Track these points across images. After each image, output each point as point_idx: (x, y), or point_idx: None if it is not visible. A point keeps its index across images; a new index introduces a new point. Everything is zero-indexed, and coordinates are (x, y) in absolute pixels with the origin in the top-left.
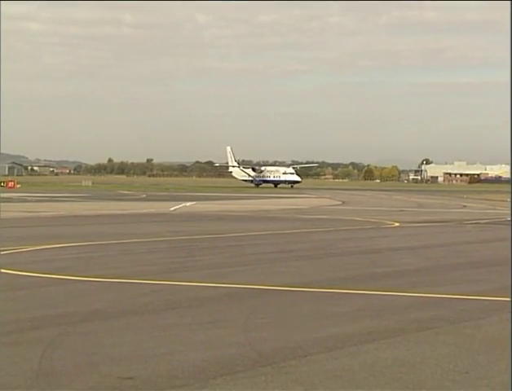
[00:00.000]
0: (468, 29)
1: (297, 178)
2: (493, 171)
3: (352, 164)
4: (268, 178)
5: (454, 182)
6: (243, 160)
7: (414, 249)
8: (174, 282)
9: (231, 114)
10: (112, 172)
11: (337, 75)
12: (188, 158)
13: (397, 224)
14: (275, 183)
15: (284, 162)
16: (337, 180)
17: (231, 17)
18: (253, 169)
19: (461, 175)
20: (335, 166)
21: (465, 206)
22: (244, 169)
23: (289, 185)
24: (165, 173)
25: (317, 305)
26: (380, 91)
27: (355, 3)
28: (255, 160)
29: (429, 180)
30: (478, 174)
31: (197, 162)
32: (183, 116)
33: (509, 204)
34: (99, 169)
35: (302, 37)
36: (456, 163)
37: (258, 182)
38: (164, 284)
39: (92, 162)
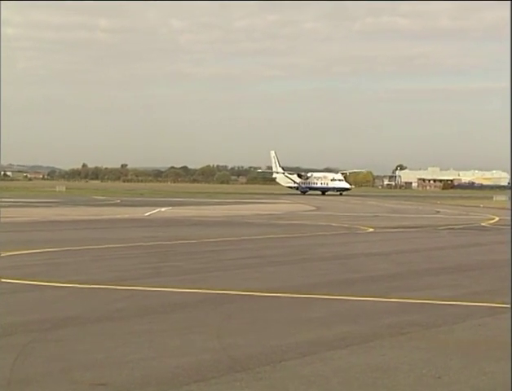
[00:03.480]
0: (440, 36)
1: (346, 185)
2: (466, 177)
3: (327, 169)
4: (315, 185)
5: (428, 187)
6: (218, 166)
7: (388, 255)
8: (149, 287)
9: (206, 119)
10: (86, 177)
11: (312, 80)
12: (163, 163)
13: (371, 229)
14: (323, 191)
15: (259, 167)
16: None
17: (205, 22)
18: (299, 176)
19: (434, 181)
20: (310, 172)
21: (438, 212)
22: (289, 176)
23: (338, 192)
24: (140, 178)
25: (291, 311)
26: (354, 97)
27: (330, 9)
28: (230, 166)
29: (403, 186)
30: (451, 180)
31: (172, 167)
32: (157, 121)
33: (483, 210)
34: (73, 175)
35: (277, 42)
36: (429, 169)
37: (305, 190)
38: (138, 290)
39: (66, 167)
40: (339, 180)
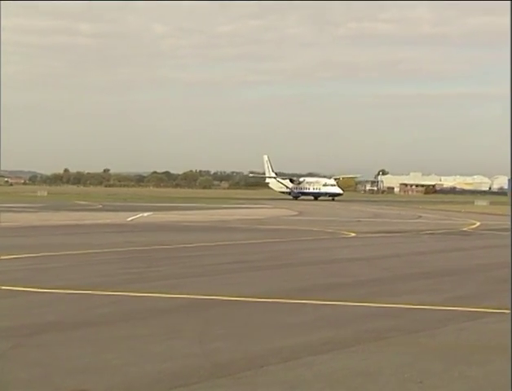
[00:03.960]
0: (423, 42)
1: (338, 191)
2: (448, 182)
3: (310, 174)
4: (307, 190)
5: (410, 192)
6: (200, 171)
7: (370, 259)
8: (131, 293)
9: (189, 124)
10: (68, 182)
11: (295, 86)
12: (145, 168)
13: (353, 234)
14: (316, 196)
15: (241, 172)
16: None
17: (188, 27)
18: (291, 181)
19: (416, 186)
20: (293, 176)
21: (420, 216)
22: (281, 181)
23: (330, 197)
24: (122, 183)
25: (274, 316)
26: (337, 102)
27: (313, 15)
28: (213, 171)
29: (385, 191)
30: (433, 185)
31: (155, 172)
32: (140, 126)
33: (464, 214)
34: (54, 180)
35: (260, 47)
36: (411, 174)
37: (297, 195)
38: (120, 295)
39: (48, 172)
40: (331, 185)
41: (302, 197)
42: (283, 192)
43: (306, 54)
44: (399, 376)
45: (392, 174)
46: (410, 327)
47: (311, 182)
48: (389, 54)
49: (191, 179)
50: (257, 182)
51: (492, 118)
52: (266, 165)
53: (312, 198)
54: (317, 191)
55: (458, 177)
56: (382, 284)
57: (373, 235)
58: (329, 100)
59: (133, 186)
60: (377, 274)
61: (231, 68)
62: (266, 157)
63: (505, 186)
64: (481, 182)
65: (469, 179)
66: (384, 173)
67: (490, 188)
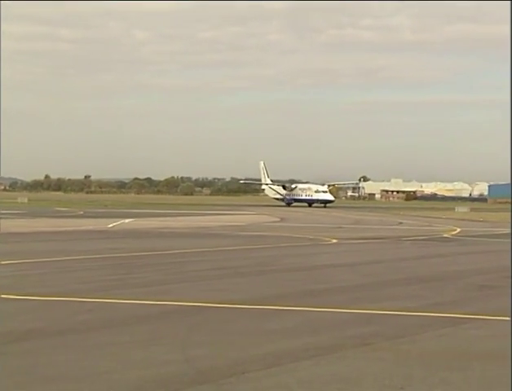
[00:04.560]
0: (403, 49)
1: (330, 197)
2: (429, 188)
3: (291, 181)
4: (300, 197)
5: (391, 199)
6: (182, 177)
7: (352, 266)
8: (113, 299)
9: (170, 130)
10: (48, 188)
11: (276, 92)
12: (127, 175)
13: (335, 240)
14: (309, 203)
15: (223, 179)
16: None
17: (169, 33)
18: (284, 187)
19: (397, 192)
20: (274, 183)
21: (401, 223)
22: (273, 187)
23: (322, 204)
24: (104, 189)
25: (256, 322)
26: (318, 109)
27: (293, 21)
28: (194, 177)
29: (366, 197)
30: (414, 191)
31: (136, 179)
32: (121, 132)
33: (445, 221)
34: (35, 186)
35: (241, 54)
36: (392, 180)
37: (289, 201)
38: (102, 302)
39: (28, 178)
40: (323, 192)
41: (296, 204)
42: (277, 199)
43: (287, 60)
44: (381, 382)
45: (373, 181)
46: (391, 333)
47: (303, 189)
48: (369, 61)
49: (172, 185)
50: (238, 187)
51: (473, 125)
52: (262, 172)
53: (306, 205)
54: (309, 197)
55: (439, 183)
56: (364, 290)
57: (355, 241)
58: (310, 107)
59: (114, 192)
60: (359, 280)
61: (212, 74)
62: (262, 164)
63: (485, 193)
64: (461, 188)
65: (449, 186)
66: (365, 179)
67: (470, 194)
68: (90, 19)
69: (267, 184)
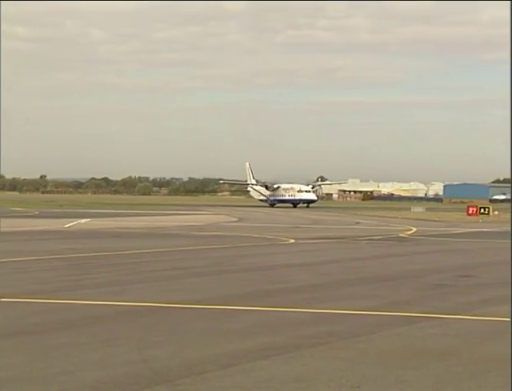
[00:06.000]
0: (360, 50)
1: (313, 197)
2: (385, 188)
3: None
4: (283, 197)
5: (348, 199)
6: (139, 177)
7: (309, 265)
8: (68, 300)
9: (128, 130)
10: (3, 188)
11: (235, 92)
12: (83, 174)
13: (292, 240)
14: (293, 203)
15: (181, 179)
16: (234, 197)
17: (126, 33)
18: (267, 187)
19: (354, 192)
20: (258, 183)
21: (358, 223)
22: (256, 187)
23: (305, 204)
24: (60, 189)
25: (213, 322)
26: (277, 109)
27: (252, 22)
28: (152, 177)
29: (324, 197)
30: (371, 191)
31: (93, 178)
32: (77, 132)
33: (401, 220)
34: None
35: (200, 54)
36: (350, 180)
37: (273, 202)
38: (57, 303)
39: None
40: (306, 191)
41: (279, 205)
42: (261, 200)
43: (245, 60)
44: (337, 381)
45: (331, 181)
46: (348, 332)
47: (286, 189)
48: (327, 62)
49: (130, 185)
50: (196, 187)
51: (429, 126)
52: (247, 172)
53: (291, 205)
54: (293, 197)
55: (395, 183)
56: (321, 290)
57: (312, 241)
58: (269, 107)
59: (71, 192)
60: (316, 280)
61: (170, 74)
62: (247, 164)
63: (441, 193)
64: (417, 188)
65: (405, 186)
66: (323, 179)
67: (426, 194)
68: (46, 17)
69: (248, 184)
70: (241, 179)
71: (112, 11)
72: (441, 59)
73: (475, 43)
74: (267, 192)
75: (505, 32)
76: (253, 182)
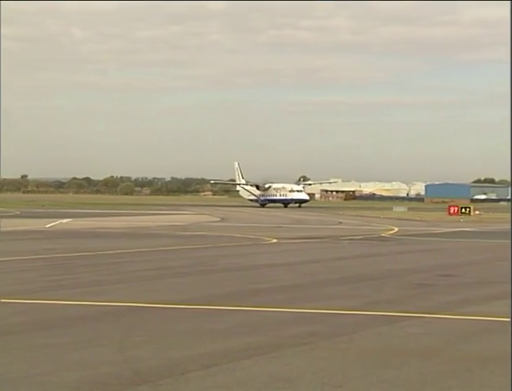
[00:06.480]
0: (342, 50)
1: (305, 197)
2: (367, 188)
3: (231, 180)
4: (274, 197)
5: (330, 198)
6: (121, 177)
7: (291, 265)
8: (49, 301)
9: (110, 130)
10: None
11: (217, 92)
12: (65, 174)
13: (275, 240)
14: (284, 203)
15: (163, 178)
16: (216, 196)
17: (108, 32)
18: (257, 187)
19: (336, 192)
20: (248, 183)
21: (340, 222)
22: (246, 187)
23: (297, 204)
24: (41, 189)
25: (195, 322)
26: (259, 109)
27: (233, 22)
28: (134, 177)
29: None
30: (353, 191)
31: (74, 178)
32: (59, 132)
33: (383, 220)
34: None
35: (181, 53)
36: (332, 180)
37: (263, 202)
38: (38, 303)
39: None
40: (298, 191)
41: (270, 204)
42: (251, 200)
43: (227, 60)
44: (319, 381)
45: (313, 180)
46: (330, 332)
47: (277, 189)
48: (309, 62)
49: (112, 185)
50: (178, 187)
51: (411, 126)
52: (236, 172)
53: (282, 205)
54: (284, 197)
55: (377, 183)
56: (303, 290)
57: (294, 240)
58: (251, 107)
59: (52, 192)
60: (298, 280)
61: (151, 74)
62: (236, 164)
63: (422, 193)
64: (399, 188)
65: (387, 185)
66: (305, 179)
67: (408, 194)
68: (27, 17)
69: (239, 184)
70: (225, 179)
71: (93, 11)
72: (422, 60)
73: (455, 44)
74: (258, 192)
75: (484, 33)
76: (243, 181)
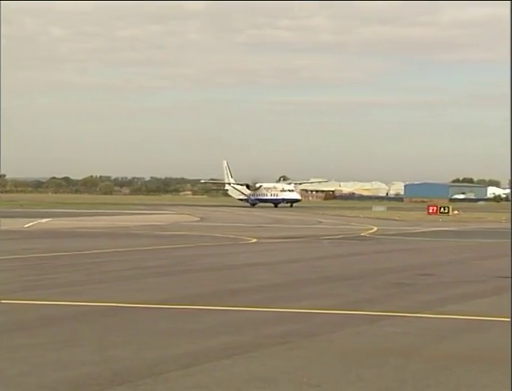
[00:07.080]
0: (322, 50)
1: (297, 197)
2: (347, 188)
3: (212, 179)
4: (265, 197)
5: (310, 198)
6: (101, 176)
7: (271, 265)
8: (27, 301)
9: (89, 129)
10: None
11: (197, 91)
12: (44, 174)
13: (255, 240)
14: (275, 203)
15: (143, 178)
16: (196, 196)
17: (87, 31)
18: (248, 187)
19: (316, 192)
20: (194, 182)
21: (320, 222)
22: (236, 186)
23: (288, 204)
24: (19, 189)
25: (174, 322)
26: (239, 108)
27: (213, 21)
28: (114, 176)
29: None
30: (332, 191)
31: (53, 178)
32: (38, 131)
33: (363, 220)
34: None
35: (161, 53)
36: (312, 180)
37: (254, 202)
38: (15, 303)
39: None
40: (289, 190)
41: (260, 204)
42: (241, 199)
43: (207, 60)
44: (298, 380)
45: (293, 180)
46: (308, 332)
47: (268, 188)
48: (289, 62)
49: (91, 185)
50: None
51: (390, 126)
52: (225, 172)
53: (272, 205)
54: (275, 197)
55: (357, 183)
56: (282, 289)
57: (274, 240)
58: (231, 106)
59: (31, 191)
60: (278, 280)
61: (131, 73)
62: (225, 163)
63: (402, 192)
64: (379, 188)
65: (367, 185)
66: (285, 179)
67: (387, 194)
68: (4, 15)
69: (229, 183)
70: (205, 178)
71: (71, 10)
72: (401, 60)
73: (435, 44)
74: (248, 191)
75: (463, 33)
76: (232, 181)
